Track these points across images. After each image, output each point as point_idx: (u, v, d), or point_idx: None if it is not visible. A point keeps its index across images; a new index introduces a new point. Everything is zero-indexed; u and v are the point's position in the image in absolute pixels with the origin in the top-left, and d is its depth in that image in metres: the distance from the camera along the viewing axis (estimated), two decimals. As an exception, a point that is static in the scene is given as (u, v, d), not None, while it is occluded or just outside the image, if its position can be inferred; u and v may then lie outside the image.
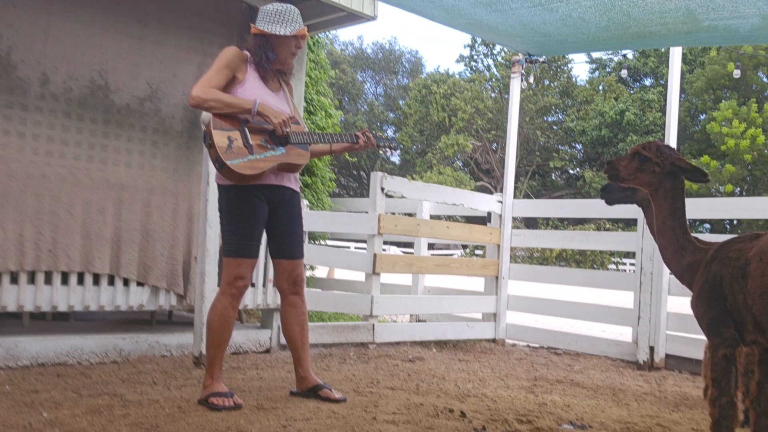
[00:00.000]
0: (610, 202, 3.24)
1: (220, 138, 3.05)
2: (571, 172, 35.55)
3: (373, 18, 5.51)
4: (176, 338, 4.48)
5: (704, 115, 29.51)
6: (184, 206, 4.84)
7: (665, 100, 6.18)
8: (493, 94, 34.29)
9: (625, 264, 21.96)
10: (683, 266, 2.68)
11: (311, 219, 5.34)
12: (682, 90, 27.57)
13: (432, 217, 7.12)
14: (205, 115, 3.15)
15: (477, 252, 19.70)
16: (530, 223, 26.95)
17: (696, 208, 5.83)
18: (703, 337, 2.63)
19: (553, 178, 36.06)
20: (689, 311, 2.71)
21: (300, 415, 2.98)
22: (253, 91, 3.18)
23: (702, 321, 2.57)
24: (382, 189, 5.32)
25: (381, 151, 3.66)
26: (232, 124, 3.11)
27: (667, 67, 5.67)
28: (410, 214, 7.41)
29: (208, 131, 3.07)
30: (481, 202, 6.29)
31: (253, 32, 3.22)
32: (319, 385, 3.35)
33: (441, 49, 76.97)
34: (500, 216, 6.27)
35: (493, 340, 6.18)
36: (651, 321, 5.19)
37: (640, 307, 5.23)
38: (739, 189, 25.79)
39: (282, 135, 3.15)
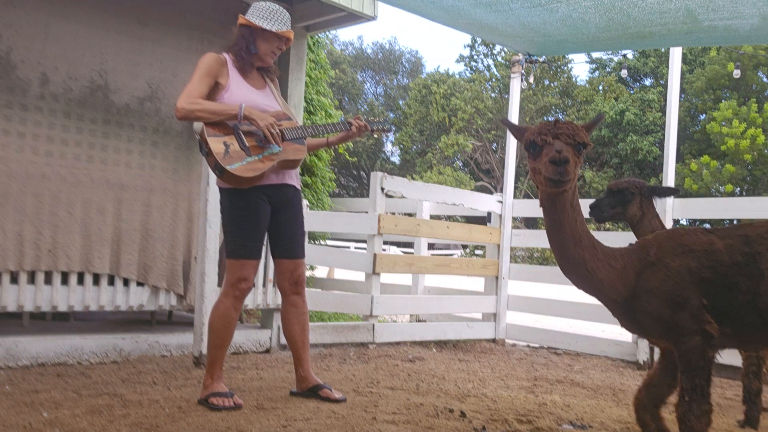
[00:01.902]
0: (600, 220, 3.26)
1: (216, 144, 3.04)
2: (571, 172, 35.51)
3: (373, 18, 5.51)
4: (176, 338, 4.48)
5: (704, 115, 29.49)
6: (184, 206, 4.83)
7: (665, 100, 6.18)
8: (493, 94, 34.26)
9: (625, 264, 21.91)
10: (617, 272, 2.32)
11: (311, 219, 5.33)
12: (682, 90, 27.57)
13: (432, 217, 7.12)
14: (197, 124, 3.14)
15: (477, 252, 19.70)
16: (530, 223, 26.93)
17: (696, 208, 5.83)
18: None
19: (553, 178, 36.00)
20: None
21: (300, 415, 2.98)
22: (238, 93, 3.17)
23: (669, 321, 2.27)
24: (382, 189, 5.32)
25: (376, 135, 3.65)
26: (225, 129, 3.10)
27: (667, 67, 5.67)
28: (410, 214, 7.41)
29: (203, 139, 3.06)
30: (481, 202, 6.29)
31: (240, 22, 3.23)
32: (319, 385, 3.35)
33: (441, 49, 76.96)
34: (500, 216, 6.27)
35: (493, 340, 6.18)
36: (651, 321, 5.18)
37: (640, 307, 5.22)
38: (739, 189, 25.77)
39: (272, 138, 3.13)
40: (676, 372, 2.41)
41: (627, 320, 2.39)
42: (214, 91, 3.16)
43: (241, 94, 3.18)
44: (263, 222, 3.23)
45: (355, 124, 3.44)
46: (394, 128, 37.39)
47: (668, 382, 2.48)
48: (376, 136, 3.74)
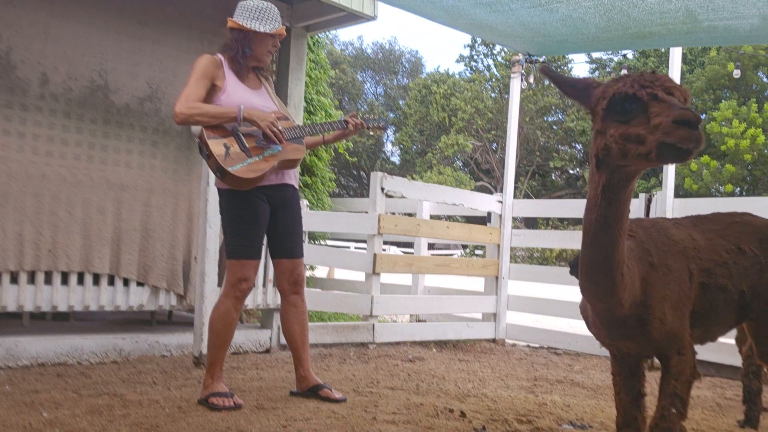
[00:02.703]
0: None
1: (216, 147, 3.04)
2: (571, 172, 35.52)
3: (373, 18, 5.51)
4: (176, 338, 4.48)
5: (704, 115, 29.47)
6: (184, 206, 4.84)
7: (665, 100, 6.16)
8: (493, 94, 34.26)
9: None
10: (631, 274, 1.99)
11: (311, 219, 5.33)
12: (682, 90, 27.47)
13: (432, 217, 7.12)
14: (196, 127, 3.14)
15: (477, 252, 19.71)
16: (530, 223, 26.93)
17: (696, 208, 5.83)
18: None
19: (553, 178, 36.02)
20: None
21: (300, 415, 2.98)
22: (235, 95, 3.16)
23: (677, 333, 2.07)
24: (382, 189, 5.32)
25: (372, 132, 3.66)
26: (225, 131, 3.10)
27: (667, 67, 5.67)
28: (410, 214, 7.41)
29: (203, 142, 3.06)
30: (481, 202, 6.29)
31: (229, 26, 3.20)
32: (319, 385, 3.35)
33: (441, 49, 76.99)
34: (500, 216, 6.27)
35: (493, 340, 6.18)
36: (651, 321, 5.17)
37: (640, 307, 5.22)
38: (739, 189, 25.78)
39: (274, 137, 3.14)
40: (639, 376, 2.27)
41: (625, 330, 2.07)
42: (210, 92, 3.15)
43: (238, 95, 3.17)
44: (262, 222, 3.23)
45: (352, 122, 3.45)
46: (392, 126, 37.38)
47: (642, 389, 2.29)
48: (372, 133, 3.71)
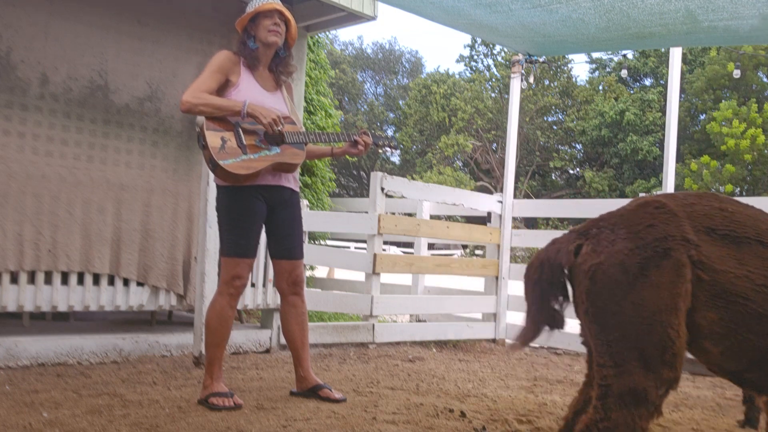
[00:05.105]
0: None
1: (213, 139, 3.05)
2: (571, 172, 35.50)
3: (373, 18, 5.51)
4: (176, 338, 4.48)
5: (704, 115, 29.45)
6: (184, 206, 4.84)
7: (665, 100, 6.18)
8: (493, 94, 34.24)
9: (624, 264, 21.83)
10: None
11: (311, 219, 5.33)
12: (682, 90, 27.52)
13: (432, 217, 7.12)
14: (200, 117, 3.16)
15: (477, 252, 19.70)
16: (530, 223, 26.92)
17: (696, 208, 5.83)
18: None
19: (553, 178, 36.01)
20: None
21: (300, 415, 2.98)
22: (246, 92, 3.17)
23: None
24: (382, 189, 5.32)
25: (381, 151, 3.65)
26: (226, 125, 3.12)
27: (667, 67, 5.67)
28: (410, 214, 7.40)
29: (202, 133, 3.08)
30: (481, 202, 6.29)
31: (237, 28, 3.29)
32: (319, 385, 3.36)
33: (441, 49, 76.99)
34: (500, 216, 6.27)
35: (493, 340, 6.18)
36: (651, 321, 5.17)
37: (640, 307, 5.22)
38: (738, 189, 25.75)
39: (273, 134, 3.14)
40: None
41: None
42: (224, 87, 3.18)
43: (250, 93, 3.19)
44: (258, 221, 3.24)
45: (361, 141, 3.42)
46: (392, 126, 37.36)
47: None
48: (380, 151, 3.69)
